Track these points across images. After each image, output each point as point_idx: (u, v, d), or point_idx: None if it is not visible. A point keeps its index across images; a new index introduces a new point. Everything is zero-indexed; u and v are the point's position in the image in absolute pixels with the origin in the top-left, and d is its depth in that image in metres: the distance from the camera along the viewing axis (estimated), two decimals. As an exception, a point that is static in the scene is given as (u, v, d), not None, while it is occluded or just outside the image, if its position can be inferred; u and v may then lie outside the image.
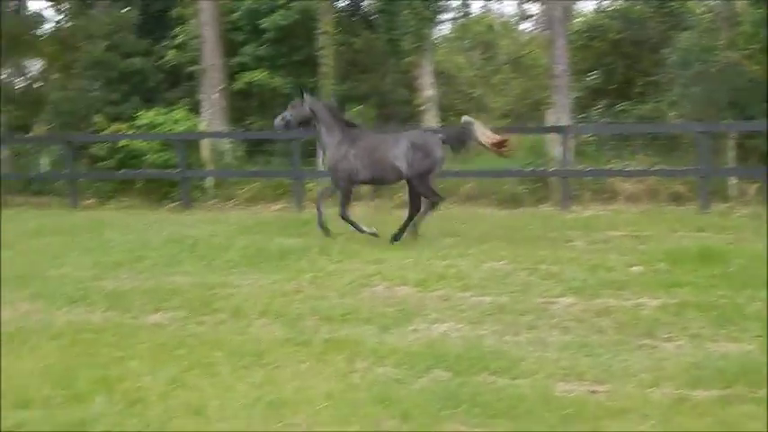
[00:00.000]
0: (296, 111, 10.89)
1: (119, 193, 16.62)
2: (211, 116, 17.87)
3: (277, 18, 18.78)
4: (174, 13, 19.80)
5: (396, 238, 10.22)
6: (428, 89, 18.05)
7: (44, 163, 17.47)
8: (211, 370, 5.21)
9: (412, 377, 5.09)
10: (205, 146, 16.91)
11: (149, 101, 19.31)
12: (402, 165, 10.18)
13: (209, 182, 16.57)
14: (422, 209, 10.36)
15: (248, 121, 19.18)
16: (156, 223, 13.12)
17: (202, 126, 17.39)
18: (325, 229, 10.55)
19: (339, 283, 7.91)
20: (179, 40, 18.88)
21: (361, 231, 10.36)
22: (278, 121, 10.99)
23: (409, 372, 5.18)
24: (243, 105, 19.70)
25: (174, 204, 15.65)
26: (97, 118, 17.55)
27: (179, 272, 8.73)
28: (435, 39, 19.74)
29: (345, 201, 10.60)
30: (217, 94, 18.10)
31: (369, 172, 10.47)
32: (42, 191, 16.88)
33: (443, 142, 10.35)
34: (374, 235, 10.29)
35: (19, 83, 26.11)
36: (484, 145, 10.24)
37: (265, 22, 18.86)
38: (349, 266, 8.74)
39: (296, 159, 15.10)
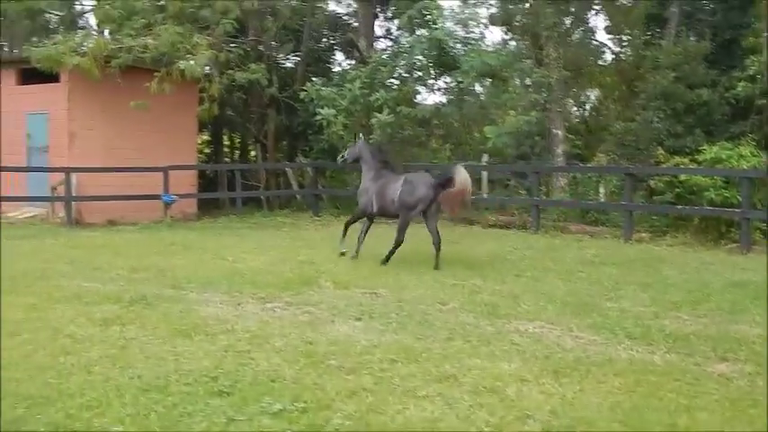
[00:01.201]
0: (350, 151, 13.19)
1: (673, 228, 16.46)
2: (781, 152, 16.76)
3: None
4: (746, 42, 18.98)
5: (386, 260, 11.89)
6: None
7: (602, 192, 18.10)
8: (791, 441, 4.79)
9: None
10: (770, 185, 15.88)
11: (711, 134, 18.82)
12: (396, 199, 11.74)
13: (771, 224, 15.51)
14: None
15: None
16: (713, 264, 12.71)
17: (771, 163, 16.36)
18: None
19: None
20: (751, 70, 18.04)
21: (340, 244, 12.73)
22: (339, 158, 13.73)
23: None
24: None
25: (731, 245, 14.95)
26: (658, 150, 17.64)
27: (744, 320, 8.28)
28: None
29: (352, 220, 12.87)
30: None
31: (378, 205, 12.21)
32: (598, 220, 17.50)
33: (433, 186, 11.58)
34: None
35: (577, 113, 27.58)
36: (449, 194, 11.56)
37: None
38: None
39: None
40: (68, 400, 5.34)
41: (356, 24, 27.06)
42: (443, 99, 23.02)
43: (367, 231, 12.82)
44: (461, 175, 11.49)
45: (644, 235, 16.11)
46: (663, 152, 17.48)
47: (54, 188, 19.15)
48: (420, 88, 21.85)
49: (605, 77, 26.39)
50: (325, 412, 5.23)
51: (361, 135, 13.50)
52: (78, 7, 33.51)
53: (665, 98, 19.09)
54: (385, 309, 8.77)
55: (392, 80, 21.69)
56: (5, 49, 29.03)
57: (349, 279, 10.64)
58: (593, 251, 13.99)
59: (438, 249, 11.77)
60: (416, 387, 5.87)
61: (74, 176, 18.43)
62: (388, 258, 11.86)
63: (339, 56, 29.98)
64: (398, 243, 11.85)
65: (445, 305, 9.05)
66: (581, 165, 20.44)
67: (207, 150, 29.64)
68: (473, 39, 21.65)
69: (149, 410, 5.18)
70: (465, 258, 12.80)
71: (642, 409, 5.33)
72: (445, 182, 11.60)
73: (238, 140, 31.41)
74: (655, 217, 16.72)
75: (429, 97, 23.79)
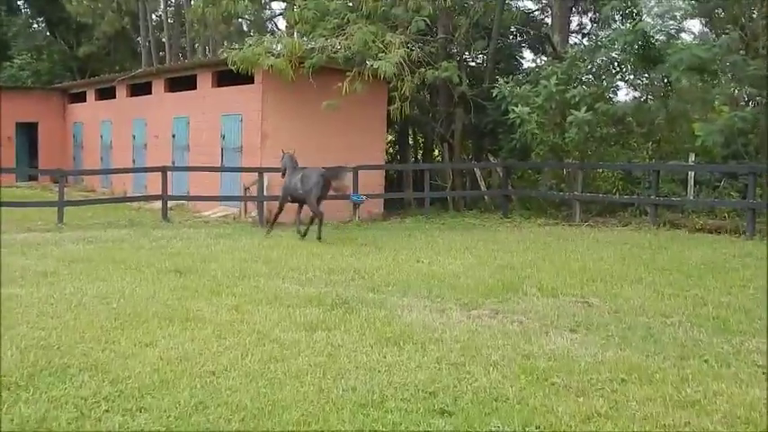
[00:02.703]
0: (282, 164, 16.30)
1: None
2: None
3: None
4: None
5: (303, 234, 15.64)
6: None
7: None
8: None
9: None
10: None
11: None
12: (299, 189, 15.42)
13: None
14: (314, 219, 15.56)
15: None
16: None
17: None
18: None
19: None
20: None
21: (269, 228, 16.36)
22: (281, 174, 16.50)
23: None
24: None
25: None
26: None
27: None
28: None
29: (278, 212, 16.26)
30: None
31: (290, 195, 15.87)
32: None
33: (322, 176, 15.23)
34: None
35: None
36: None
37: None
38: None
39: None
40: (284, 414, 5.08)
41: (548, 20, 26.25)
42: (642, 95, 21.88)
43: (299, 216, 16.12)
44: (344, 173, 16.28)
45: None
46: None
47: (247, 188, 19.58)
48: (620, 84, 20.87)
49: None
50: (563, 441, 4.71)
51: (287, 150, 16.37)
52: (267, 12, 34.70)
53: None
54: (601, 320, 8.13)
55: (588, 76, 20.75)
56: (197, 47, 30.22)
57: (555, 286, 10.04)
58: None
59: (319, 224, 15.36)
60: (658, 413, 5.25)
61: (266, 176, 18.76)
62: (319, 236, 15.26)
63: (526, 53, 29.33)
64: (319, 217, 15.34)
65: (668, 318, 8.29)
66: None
67: (391, 150, 29.64)
68: (674, 31, 20.40)
69: (369, 429, 4.83)
70: (679, 265, 11.86)
71: None
72: (331, 174, 15.44)
73: (422, 140, 31.28)
74: None
75: (627, 94, 22.65)
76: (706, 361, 6.57)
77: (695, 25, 24.64)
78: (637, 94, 22.66)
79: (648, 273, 11.17)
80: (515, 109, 19.14)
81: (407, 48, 18.50)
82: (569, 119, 18.73)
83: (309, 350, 6.70)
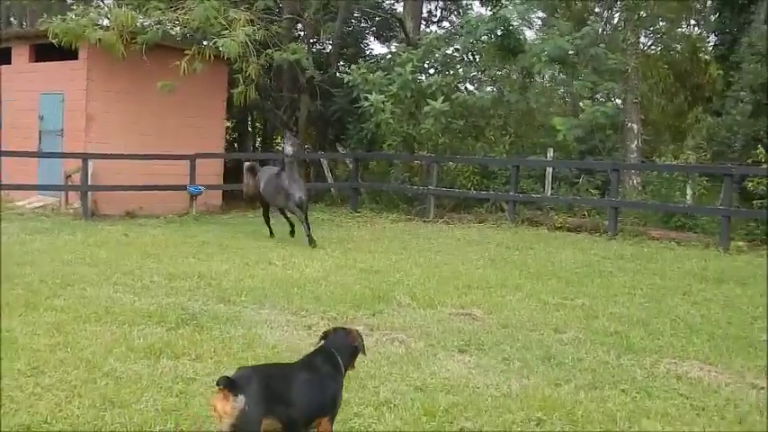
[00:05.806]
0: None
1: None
2: None
3: None
4: None
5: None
6: None
7: (689, 194, 16.32)
8: None
9: None
10: None
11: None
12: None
13: None
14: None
15: None
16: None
17: None
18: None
19: None
20: None
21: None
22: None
23: None
24: None
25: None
26: (758, 148, 15.79)
27: None
28: None
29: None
30: None
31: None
32: (685, 225, 15.79)
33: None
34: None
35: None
36: None
37: None
38: None
39: None
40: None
41: (396, 6, 25.49)
42: (497, 87, 21.46)
43: None
44: None
45: (740, 244, 14.44)
46: (763, 151, 15.58)
47: (68, 176, 17.69)
48: (478, 74, 20.29)
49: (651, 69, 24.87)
50: None
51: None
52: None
53: (763, 90, 17.25)
54: (492, 337, 7.26)
55: (442, 66, 20.08)
56: (14, 21, 27.63)
57: (430, 294, 9.13)
58: (695, 262, 12.38)
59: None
60: (598, 468, 4.36)
61: (90, 163, 16.94)
62: None
63: (371, 40, 28.52)
64: None
65: (563, 333, 7.53)
66: (667, 163, 18.45)
67: (228, 137, 28.02)
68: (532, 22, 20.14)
69: None
70: (554, 270, 11.23)
71: None
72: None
73: (261, 127, 29.88)
74: (752, 224, 15.04)
75: (482, 85, 22.13)
76: (624, 390, 5.81)
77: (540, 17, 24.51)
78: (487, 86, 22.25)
79: (525, 279, 10.44)
80: (369, 97, 18.17)
81: (254, 25, 17.15)
82: (425, 109, 17.97)
83: (155, 387, 5.42)
